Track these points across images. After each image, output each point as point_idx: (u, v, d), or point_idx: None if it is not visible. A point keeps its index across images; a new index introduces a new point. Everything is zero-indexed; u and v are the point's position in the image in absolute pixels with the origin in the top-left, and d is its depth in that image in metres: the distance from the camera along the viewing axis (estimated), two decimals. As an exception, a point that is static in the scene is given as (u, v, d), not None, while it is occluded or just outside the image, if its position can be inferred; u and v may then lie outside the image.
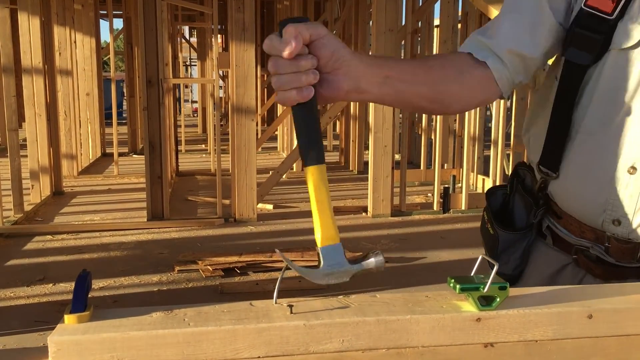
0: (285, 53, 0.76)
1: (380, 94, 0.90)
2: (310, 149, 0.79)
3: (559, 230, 1.05)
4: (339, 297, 0.81)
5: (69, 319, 0.71)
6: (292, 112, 0.80)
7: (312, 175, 0.81)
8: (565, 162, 1.01)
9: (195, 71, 16.89)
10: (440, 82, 0.96)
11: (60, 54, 7.06)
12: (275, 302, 0.79)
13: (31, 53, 5.74)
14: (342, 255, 0.85)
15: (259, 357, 0.71)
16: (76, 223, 5.30)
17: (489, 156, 6.35)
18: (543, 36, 0.99)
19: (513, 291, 0.81)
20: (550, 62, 1.07)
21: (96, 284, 3.67)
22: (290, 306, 0.77)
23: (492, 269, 0.80)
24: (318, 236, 0.86)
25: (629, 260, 0.98)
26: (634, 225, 0.95)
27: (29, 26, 5.71)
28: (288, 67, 0.77)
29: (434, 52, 7.56)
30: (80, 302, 0.73)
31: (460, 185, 6.14)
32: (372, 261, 0.82)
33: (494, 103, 6.15)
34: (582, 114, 0.98)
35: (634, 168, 0.93)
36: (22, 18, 5.67)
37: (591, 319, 0.77)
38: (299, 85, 0.78)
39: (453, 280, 0.81)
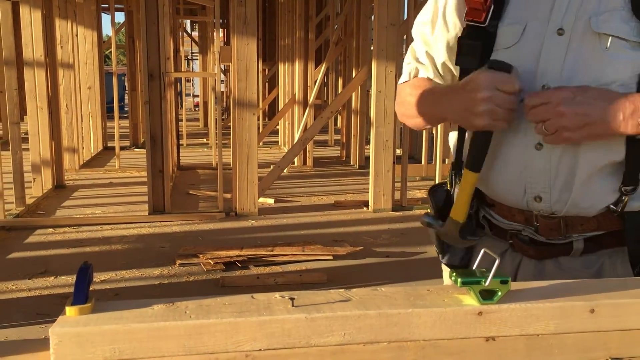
0: (518, 87, 0.97)
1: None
2: (479, 160, 1.03)
3: (493, 218, 1.15)
4: (341, 290, 0.81)
5: (70, 311, 0.71)
6: (479, 135, 1.02)
7: (472, 177, 1.04)
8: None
9: (196, 65, 16.87)
10: None
11: (62, 47, 7.05)
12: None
13: (33, 46, 5.73)
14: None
15: (261, 349, 0.71)
16: (78, 216, 5.30)
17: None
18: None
19: (515, 285, 0.81)
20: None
21: (97, 277, 3.67)
22: (292, 299, 0.76)
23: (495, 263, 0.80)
24: (462, 215, 1.07)
25: (557, 236, 1.07)
26: (554, 199, 1.04)
27: (31, 19, 5.70)
28: (514, 102, 0.98)
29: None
30: (81, 294, 0.73)
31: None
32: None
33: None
34: None
35: (540, 144, 1.03)
36: (24, 11, 5.66)
37: (593, 313, 0.77)
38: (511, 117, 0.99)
39: (455, 274, 0.80)
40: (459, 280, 0.79)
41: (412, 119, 1.23)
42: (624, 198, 1.01)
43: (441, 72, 1.20)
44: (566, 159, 1.02)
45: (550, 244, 1.08)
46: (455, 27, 1.15)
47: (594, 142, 1.00)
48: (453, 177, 1.23)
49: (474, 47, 1.09)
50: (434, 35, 1.18)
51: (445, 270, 1.28)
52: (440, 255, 1.24)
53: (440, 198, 1.23)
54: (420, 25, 1.22)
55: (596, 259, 1.07)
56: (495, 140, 1.07)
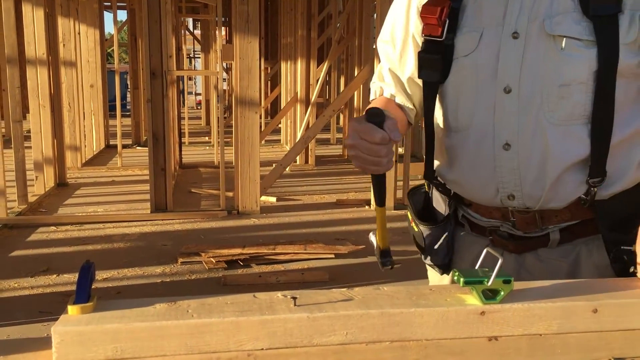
0: (399, 138, 0.98)
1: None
2: (382, 196, 1.08)
3: (471, 216, 1.18)
4: (343, 289, 0.81)
5: (72, 309, 0.71)
6: (377, 177, 1.06)
7: (381, 211, 1.10)
8: (450, 157, 1.17)
9: (199, 63, 16.87)
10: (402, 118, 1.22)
11: (64, 45, 7.05)
12: None
13: (35, 44, 5.74)
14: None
15: (262, 348, 0.71)
16: (80, 214, 5.31)
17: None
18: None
19: (517, 285, 0.81)
20: None
21: (99, 275, 3.67)
22: (294, 298, 0.76)
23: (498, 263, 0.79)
24: (382, 241, 1.16)
25: (533, 229, 1.11)
26: (526, 196, 1.07)
27: (33, 17, 5.70)
28: (392, 151, 1.00)
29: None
30: (83, 293, 0.73)
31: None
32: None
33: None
34: (454, 116, 1.15)
35: (508, 144, 1.06)
36: (27, 9, 5.66)
37: (596, 313, 0.77)
38: (389, 162, 1.01)
39: (457, 273, 0.80)
40: (462, 279, 0.79)
41: None
42: (593, 189, 1.04)
43: (408, 89, 1.23)
44: (535, 157, 1.05)
45: (528, 237, 1.12)
46: (409, 43, 1.20)
47: (561, 140, 1.03)
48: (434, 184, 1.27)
49: (434, 60, 1.13)
50: (395, 53, 1.22)
51: (430, 270, 1.33)
52: (422, 256, 1.28)
53: (419, 200, 1.28)
54: (382, 44, 1.26)
55: (572, 248, 1.10)
56: (465, 143, 1.12)
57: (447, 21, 1.11)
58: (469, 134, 1.12)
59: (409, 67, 1.21)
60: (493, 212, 1.13)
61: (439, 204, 1.24)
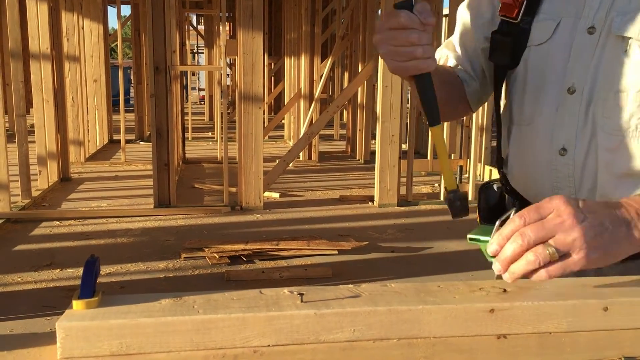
0: (432, 21, 0.87)
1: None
2: (432, 110, 0.92)
3: None
4: (350, 286, 0.80)
5: (77, 304, 0.70)
6: (419, 81, 0.91)
7: (435, 135, 0.94)
8: (512, 154, 1.12)
9: (202, 58, 16.86)
10: (454, 89, 1.14)
11: (68, 40, 7.05)
12: None
13: (39, 39, 5.73)
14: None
15: (269, 345, 0.70)
16: (83, 209, 5.31)
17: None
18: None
19: (527, 283, 0.80)
20: None
21: (103, 269, 3.68)
22: (301, 294, 0.75)
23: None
24: (447, 181, 0.98)
25: None
26: None
27: (37, 12, 5.69)
28: (428, 38, 0.87)
29: (443, 42, 7.50)
30: (88, 288, 0.72)
31: (467, 175, 6.12)
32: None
33: (503, 93, 6.10)
34: (519, 108, 1.08)
35: (564, 150, 1.01)
36: (30, 3, 5.65)
37: (607, 311, 0.76)
38: (432, 54, 0.89)
39: (471, 232, 0.81)
40: (468, 236, 0.79)
41: None
42: None
43: (477, 63, 1.15)
44: (590, 166, 0.99)
45: None
46: (487, 17, 1.13)
47: (613, 151, 0.95)
48: (501, 174, 1.20)
49: (505, 43, 1.07)
50: (476, 21, 1.15)
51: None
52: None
53: (493, 196, 1.19)
54: (464, 9, 1.18)
55: (637, 266, 0.95)
56: (526, 140, 1.06)
57: (525, 2, 1.04)
58: (531, 131, 1.06)
59: (483, 42, 1.13)
60: None
61: (510, 203, 1.16)
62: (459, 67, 1.17)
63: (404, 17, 0.86)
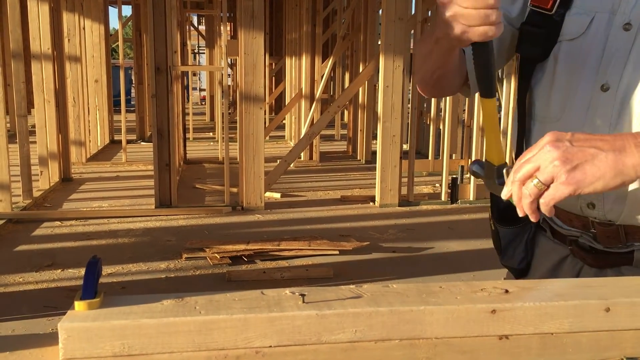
0: None
1: (442, 50, 0.94)
2: (487, 82, 0.86)
3: (553, 222, 1.09)
4: (352, 286, 0.80)
5: (79, 305, 0.70)
6: (480, 49, 0.84)
7: (487, 107, 0.88)
8: None
9: (203, 59, 16.87)
10: (457, 63, 1.04)
11: (69, 40, 7.05)
12: None
13: (40, 39, 5.74)
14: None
15: (271, 346, 0.70)
16: (84, 209, 5.31)
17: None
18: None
19: (529, 283, 0.80)
20: None
21: (104, 270, 3.68)
22: (303, 295, 0.75)
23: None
24: (493, 157, 0.91)
25: (616, 244, 0.99)
26: (607, 208, 0.97)
27: (38, 12, 5.70)
28: (491, 4, 0.80)
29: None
30: (90, 289, 0.72)
31: (468, 175, 6.12)
32: None
33: (504, 93, 6.10)
34: (546, 104, 1.04)
35: None
36: (32, 4, 5.66)
37: (608, 312, 0.76)
38: (498, 19, 0.82)
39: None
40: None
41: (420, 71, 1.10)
42: None
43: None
44: None
45: (610, 252, 1.01)
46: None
47: None
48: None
49: (538, 35, 1.02)
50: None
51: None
52: (499, 257, 1.16)
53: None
54: None
55: (632, 272, 0.98)
56: None
57: None
58: (557, 128, 0.94)
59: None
60: (573, 220, 1.03)
61: None
62: None
63: None
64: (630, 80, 0.93)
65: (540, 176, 0.77)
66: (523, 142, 1.09)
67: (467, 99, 6.56)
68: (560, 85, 1.01)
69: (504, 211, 1.12)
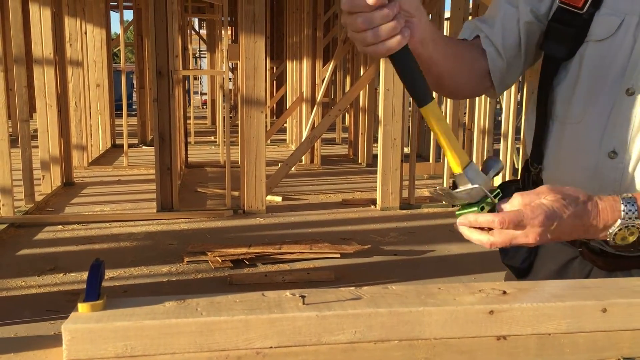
0: (373, 2, 0.77)
1: (430, 54, 0.91)
2: (420, 89, 0.83)
3: None
4: (351, 288, 0.81)
5: (82, 307, 0.71)
6: (392, 62, 0.82)
7: (430, 113, 0.84)
8: (552, 152, 1.05)
9: (204, 63, 16.90)
10: (463, 64, 1.01)
11: (71, 45, 7.08)
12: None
13: (42, 44, 5.76)
14: (478, 170, 0.87)
15: (271, 347, 0.71)
16: (86, 213, 5.32)
17: (498, 150, 6.32)
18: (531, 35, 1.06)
19: (527, 285, 0.81)
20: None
21: (106, 274, 3.68)
22: (303, 297, 0.76)
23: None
24: (456, 162, 0.87)
25: (627, 249, 0.96)
26: None
27: (40, 17, 5.72)
28: (380, 18, 0.78)
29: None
30: (93, 291, 0.73)
31: (469, 178, 6.11)
32: (497, 165, 0.89)
33: (505, 96, 6.11)
34: (567, 105, 1.02)
35: (614, 152, 0.96)
36: (34, 9, 5.68)
37: (605, 312, 0.77)
38: (397, 31, 0.79)
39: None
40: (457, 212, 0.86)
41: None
42: None
43: (516, 35, 1.05)
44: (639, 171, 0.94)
45: (621, 256, 0.99)
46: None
47: None
48: (527, 175, 1.15)
49: (566, 34, 0.99)
50: None
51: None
52: (501, 255, 1.16)
53: (508, 196, 1.17)
54: None
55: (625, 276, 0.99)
56: (570, 138, 1.01)
57: None
58: (578, 130, 0.99)
59: (528, 15, 1.04)
60: None
61: None
62: (487, 38, 1.06)
63: (345, 1, 0.79)
64: None
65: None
66: (541, 142, 1.07)
67: (467, 101, 6.57)
68: (583, 87, 1.00)
69: None
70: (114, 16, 11.16)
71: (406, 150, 5.84)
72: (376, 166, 5.76)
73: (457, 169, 0.86)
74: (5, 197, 4.87)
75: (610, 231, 0.85)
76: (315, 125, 7.27)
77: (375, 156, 6.16)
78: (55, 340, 0.74)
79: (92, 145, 8.20)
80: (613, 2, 0.97)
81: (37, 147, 5.79)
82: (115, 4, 9.69)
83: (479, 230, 0.85)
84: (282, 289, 0.81)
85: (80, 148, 7.57)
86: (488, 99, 5.86)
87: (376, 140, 6.35)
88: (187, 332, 0.69)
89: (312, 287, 0.79)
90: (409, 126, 6.03)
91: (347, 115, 10.28)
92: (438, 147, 7.16)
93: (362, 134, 8.20)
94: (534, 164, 1.09)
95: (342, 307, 0.74)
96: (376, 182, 5.69)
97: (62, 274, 3.76)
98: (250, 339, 0.71)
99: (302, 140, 7.08)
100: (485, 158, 0.93)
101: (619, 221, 0.85)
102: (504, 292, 0.79)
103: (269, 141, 8.63)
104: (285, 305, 0.74)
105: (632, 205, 0.85)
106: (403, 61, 0.82)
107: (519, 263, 1.12)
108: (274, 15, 12.93)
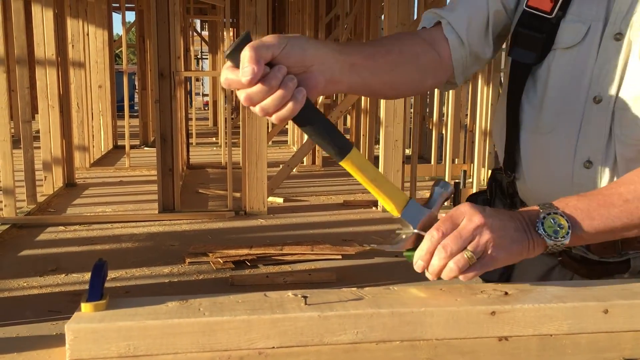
0: (246, 81, 0.71)
1: (350, 83, 0.86)
2: (334, 143, 0.78)
3: None
4: (353, 288, 0.81)
5: (85, 307, 0.72)
6: (295, 124, 0.77)
7: (351, 164, 0.79)
8: (526, 162, 1.03)
9: (206, 64, 16.92)
10: (398, 66, 0.94)
11: (73, 46, 7.09)
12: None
13: (44, 45, 5.77)
14: (419, 206, 0.85)
15: (274, 347, 0.72)
16: (88, 214, 5.33)
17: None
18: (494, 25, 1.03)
19: (528, 286, 0.82)
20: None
21: (108, 274, 3.69)
22: (305, 297, 0.77)
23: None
24: (392, 208, 0.84)
25: (611, 254, 0.98)
26: None
27: (43, 18, 5.73)
28: (261, 94, 0.73)
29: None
30: (96, 291, 0.73)
31: (471, 180, 6.12)
32: (443, 192, 0.87)
33: (479, 92, 6.10)
34: (537, 113, 1.00)
35: (590, 162, 0.95)
36: (36, 10, 5.69)
37: (607, 313, 0.77)
38: (287, 98, 0.73)
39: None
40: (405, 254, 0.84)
41: None
42: None
43: (482, 25, 1.01)
44: (617, 178, 0.93)
45: (604, 262, 0.98)
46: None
47: (634, 162, 0.91)
48: (494, 184, 1.13)
49: (535, 40, 0.96)
50: None
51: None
52: None
53: None
54: None
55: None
56: (543, 149, 1.00)
57: None
58: (550, 140, 0.98)
59: (497, 4, 1.01)
60: None
61: None
62: (450, 25, 1.01)
63: (224, 77, 0.74)
64: (622, 92, 0.92)
65: (475, 249, 0.78)
66: (514, 151, 1.05)
67: (469, 103, 6.57)
68: (552, 96, 0.98)
69: None
70: (116, 17, 11.19)
71: (407, 151, 5.84)
72: (378, 168, 5.76)
73: (396, 213, 0.83)
74: (7, 198, 4.88)
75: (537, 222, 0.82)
76: (316, 127, 7.26)
77: (377, 158, 6.16)
78: (57, 340, 0.74)
79: (94, 146, 8.21)
80: (578, 8, 0.95)
81: (39, 148, 5.79)
82: (118, 5, 9.72)
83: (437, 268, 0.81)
84: (283, 290, 0.81)
85: (82, 149, 7.58)
86: (490, 98, 5.86)
87: (378, 142, 6.35)
88: (190, 332, 0.70)
89: (314, 289, 0.79)
90: (410, 128, 6.03)
91: (348, 117, 10.28)
92: (439, 149, 7.16)
93: (363, 135, 8.20)
94: (508, 172, 1.07)
95: (344, 307, 0.74)
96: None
97: (63, 275, 3.77)
98: (252, 339, 0.71)
99: (304, 141, 7.09)
100: (434, 183, 0.88)
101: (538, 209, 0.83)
102: (506, 293, 0.80)
103: (270, 142, 8.64)
104: (287, 305, 0.75)
105: (549, 206, 0.84)
106: (306, 122, 0.77)
107: (497, 277, 1.09)
108: (275, 16, 12.93)
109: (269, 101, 0.73)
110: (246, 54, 0.71)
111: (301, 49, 0.76)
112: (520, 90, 1.01)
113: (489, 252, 0.78)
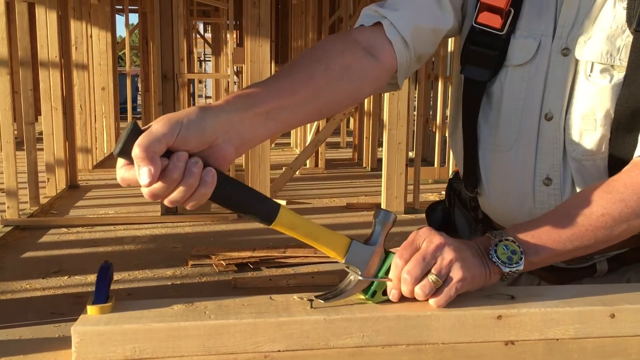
0: (145, 184, 0.66)
1: (267, 133, 0.80)
2: (258, 210, 0.75)
3: None
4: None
5: (91, 309, 0.72)
6: (213, 202, 0.73)
7: (281, 226, 0.76)
8: (486, 179, 1.02)
9: (209, 66, 16.95)
10: (325, 88, 0.86)
11: (76, 48, 7.10)
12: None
13: (48, 47, 5.78)
14: (362, 246, 0.83)
15: (279, 350, 0.71)
16: (91, 216, 5.34)
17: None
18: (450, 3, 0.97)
19: (535, 290, 0.81)
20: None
21: (111, 277, 3.69)
22: (311, 300, 0.77)
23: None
24: (334, 255, 0.82)
25: (578, 261, 0.98)
26: None
27: (46, 20, 5.75)
28: (168, 186, 0.67)
29: (447, 50, 7.52)
30: (102, 293, 0.73)
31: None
32: (385, 222, 0.84)
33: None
34: (494, 131, 0.99)
35: (549, 179, 0.95)
36: (40, 12, 5.71)
37: (613, 318, 0.77)
38: (195, 185, 0.68)
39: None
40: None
41: None
42: None
43: (428, 25, 0.95)
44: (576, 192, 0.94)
45: (571, 269, 0.99)
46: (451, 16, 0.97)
47: (585, 177, 0.92)
48: (452, 193, 1.14)
49: (487, 57, 0.94)
50: None
51: None
52: None
53: (437, 218, 1.14)
54: None
55: (620, 276, 0.99)
56: (503, 168, 0.99)
57: (512, 12, 0.92)
58: (509, 158, 0.97)
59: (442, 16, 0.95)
60: None
61: (462, 223, 1.11)
62: (392, 26, 0.93)
63: (120, 177, 0.71)
64: (571, 108, 0.92)
65: (440, 271, 0.76)
66: (474, 168, 1.03)
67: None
68: (507, 114, 0.97)
69: (445, 230, 1.07)
70: (120, 19, 11.21)
71: (411, 154, 5.84)
72: (381, 170, 5.76)
73: (340, 259, 0.81)
74: (10, 200, 4.89)
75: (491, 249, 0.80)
76: (319, 129, 7.28)
77: (380, 160, 6.16)
78: (62, 342, 0.74)
79: (97, 148, 8.22)
80: (527, 23, 0.94)
81: (42, 149, 5.80)
82: (121, 7, 9.73)
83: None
84: (286, 293, 0.81)
85: (85, 151, 7.59)
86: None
87: (381, 145, 6.35)
88: (196, 335, 0.70)
89: (317, 291, 0.79)
90: (413, 130, 6.03)
91: (351, 119, 10.28)
92: (443, 152, 7.15)
93: (366, 138, 8.20)
94: (469, 188, 1.07)
95: (350, 310, 0.74)
96: (381, 186, 5.69)
97: (66, 277, 3.77)
98: (258, 342, 0.71)
99: (307, 144, 7.09)
100: (373, 214, 0.85)
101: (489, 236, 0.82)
102: (512, 297, 0.79)
103: (273, 145, 8.64)
104: (293, 308, 0.75)
105: (500, 233, 0.83)
106: (222, 198, 0.73)
107: None
108: (279, 18, 12.95)
109: (176, 194, 0.68)
110: (137, 153, 0.65)
111: (197, 128, 0.69)
112: (477, 109, 0.99)
113: (453, 273, 0.76)
